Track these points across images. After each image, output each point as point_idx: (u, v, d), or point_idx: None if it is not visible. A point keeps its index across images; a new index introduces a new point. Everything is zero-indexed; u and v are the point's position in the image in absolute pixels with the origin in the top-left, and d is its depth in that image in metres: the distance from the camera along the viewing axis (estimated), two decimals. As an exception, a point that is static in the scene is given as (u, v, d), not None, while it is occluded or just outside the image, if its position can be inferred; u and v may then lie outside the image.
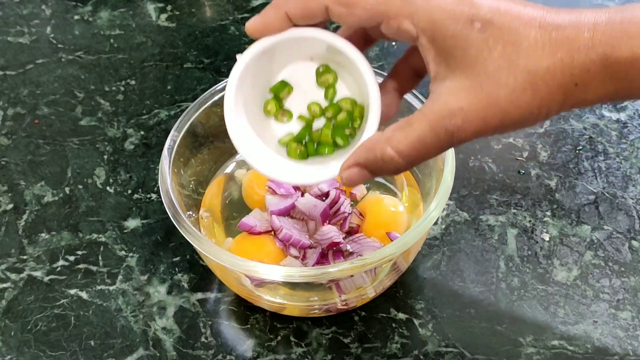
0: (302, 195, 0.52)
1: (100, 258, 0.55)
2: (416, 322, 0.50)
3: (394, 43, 0.69)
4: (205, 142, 0.54)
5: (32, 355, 0.50)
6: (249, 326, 0.51)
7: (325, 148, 0.40)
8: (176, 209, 0.46)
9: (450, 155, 0.47)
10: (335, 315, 0.51)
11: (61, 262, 0.55)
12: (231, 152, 0.57)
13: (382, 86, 0.38)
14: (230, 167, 0.57)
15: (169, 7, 0.79)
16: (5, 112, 0.68)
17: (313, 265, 0.48)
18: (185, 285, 0.53)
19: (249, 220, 0.50)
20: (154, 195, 0.60)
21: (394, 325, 0.50)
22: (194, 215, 0.52)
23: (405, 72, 0.39)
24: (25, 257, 0.56)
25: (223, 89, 0.53)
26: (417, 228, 0.43)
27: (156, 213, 0.58)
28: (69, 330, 0.51)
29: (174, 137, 0.50)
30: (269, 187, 0.52)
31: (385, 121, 0.38)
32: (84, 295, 0.53)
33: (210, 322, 0.51)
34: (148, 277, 0.54)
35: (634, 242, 0.54)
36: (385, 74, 0.41)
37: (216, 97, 0.53)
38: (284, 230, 0.49)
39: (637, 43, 0.31)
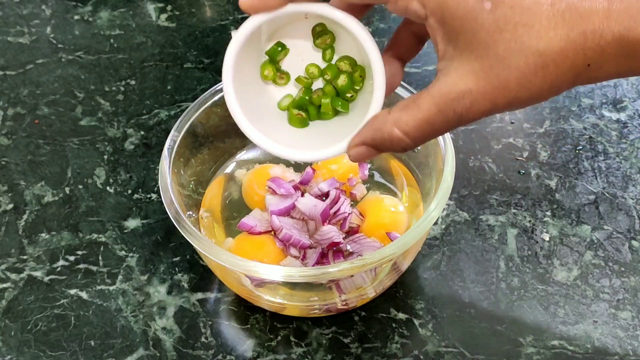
0: (302, 195, 0.52)
1: (100, 258, 0.55)
2: (416, 322, 0.50)
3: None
4: (205, 142, 0.54)
5: (32, 355, 0.50)
6: (249, 326, 0.51)
7: (327, 115, 0.39)
8: (176, 209, 0.46)
9: (450, 155, 0.47)
10: (335, 315, 0.51)
11: (61, 262, 0.55)
12: (231, 152, 0.57)
13: (384, 55, 0.37)
14: (230, 167, 0.57)
15: (169, 7, 0.79)
16: (5, 112, 0.68)
17: (313, 265, 0.48)
18: (185, 285, 0.53)
19: (249, 220, 0.50)
20: (154, 195, 0.60)
21: (394, 325, 0.50)
22: (194, 215, 0.52)
23: (407, 39, 0.38)
24: (25, 257, 0.56)
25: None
26: (417, 228, 0.43)
27: (156, 213, 0.58)
28: (69, 330, 0.51)
29: (174, 137, 0.50)
30: (269, 187, 0.52)
31: (391, 92, 0.37)
32: (84, 295, 0.53)
33: (210, 322, 0.51)
34: (148, 277, 0.54)
35: (634, 242, 0.54)
36: None
37: (216, 97, 0.53)
38: (284, 230, 0.49)
39: None
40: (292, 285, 0.48)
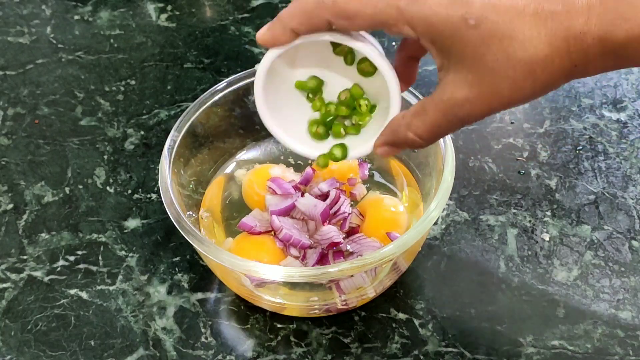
0: (302, 195, 0.52)
1: (100, 258, 0.55)
2: (416, 322, 0.50)
3: (393, 43, 0.69)
4: (205, 142, 0.54)
5: (32, 355, 0.50)
6: (249, 326, 0.51)
7: (339, 136, 0.44)
8: (176, 209, 0.46)
9: (450, 155, 0.47)
10: (335, 315, 0.51)
11: (61, 262, 0.55)
12: (231, 152, 0.57)
13: (398, 58, 0.42)
14: (230, 167, 0.57)
15: (169, 7, 0.79)
16: (5, 112, 0.68)
17: (313, 265, 0.48)
18: (185, 285, 0.53)
19: (249, 220, 0.50)
20: (154, 195, 0.60)
21: (394, 325, 0.50)
22: (194, 215, 0.52)
23: (414, 41, 0.40)
24: (25, 257, 0.56)
25: (223, 89, 0.53)
26: (417, 228, 0.43)
27: (156, 213, 0.58)
28: (69, 330, 0.51)
29: (174, 137, 0.50)
30: (269, 187, 0.52)
31: (408, 87, 0.43)
32: (84, 295, 0.53)
33: (210, 322, 0.51)
34: (148, 277, 0.54)
35: (634, 242, 0.54)
36: None
37: (216, 97, 0.53)
38: (284, 230, 0.49)
39: (632, 25, 0.31)
40: (292, 285, 0.48)
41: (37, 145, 0.65)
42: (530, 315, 0.50)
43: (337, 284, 0.47)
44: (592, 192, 0.58)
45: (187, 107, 0.52)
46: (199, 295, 0.53)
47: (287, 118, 0.44)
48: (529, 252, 0.54)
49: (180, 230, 0.45)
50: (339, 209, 0.51)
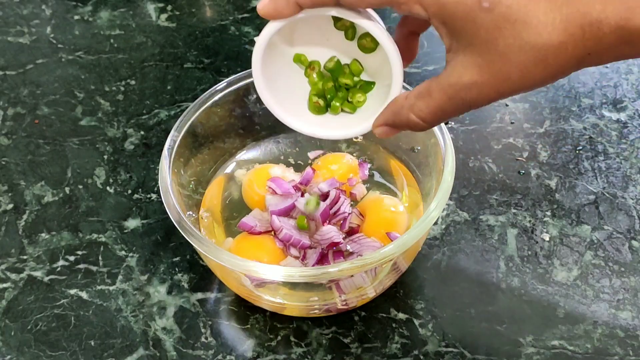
0: (302, 195, 0.52)
1: (100, 258, 0.55)
2: (416, 322, 0.50)
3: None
4: (205, 142, 0.54)
5: (32, 355, 0.50)
6: (249, 326, 0.51)
7: (335, 111, 0.44)
8: (176, 209, 0.46)
9: (450, 155, 0.47)
10: (335, 315, 0.51)
11: (61, 262, 0.55)
12: (231, 152, 0.57)
13: (399, 33, 0.41)
14: (230, 167, 0.57)
15: (169, 7, 0.79)
16: (5, 112, 0.68)
17: (313, 265, 0.48)
18: (185, 285, 0.53)
19: (249, 220, 0.50)
20: (154, 195, 0.60)
21: (394, 325, 0.50)
22: (194, 215, 0.52)
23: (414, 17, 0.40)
24: (25, 257, 0.56)
25: (223, 89, 0.53)
26: (417, 228, 0.43)
27: (156, 213, 0.58)
28: (69, 330, 0.51)
29: (174, 137, 0.50)
30: (269, 187, 0.52)
31: (410, 62, 0.42)
32: (84, 295, 0.53)
33: (210, 322, 0.51)
34: (148, 277, 0.54)
35: (634, 242, 0.54)
36: None
37: (216, 97, 0.53)
38: (284, 230, 0.49)
39: None
40: (292, 285, 0.48)
41: (37, 145, 0.65)
42: (530, 315, 0.50)
43: (337, 284, 0.47)
44: (592, 192, 0.58)
45: (187, 107, 0.52)
46: (199, 295, 0.53)
47: (284, 93, 0.43)
48: (529, 252, 0.54)
49: (181, 231, 0.45)
50: (339, 209, 0.51)
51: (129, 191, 0.60)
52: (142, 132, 0.65)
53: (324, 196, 0.52)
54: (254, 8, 0.78)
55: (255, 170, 0.55)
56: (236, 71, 0.68)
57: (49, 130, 0.66)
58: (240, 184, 0.55)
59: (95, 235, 0.57)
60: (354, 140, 0.58)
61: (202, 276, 0.54)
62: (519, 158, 0.61)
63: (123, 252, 0.55)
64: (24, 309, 0.52)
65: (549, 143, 0.62)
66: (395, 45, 0.39)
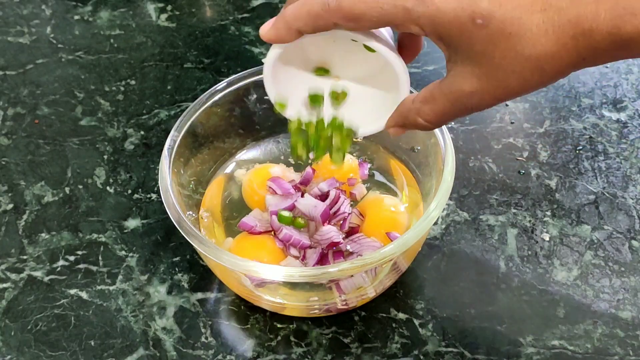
0: (302, 195, 0.52)
1: (100, 258, 0.55)
2: (416, 322, 0.50)
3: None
4: (205, 142, 0.54)
5: (32, 355, 0.50)
6: (249, 326, 0.51)
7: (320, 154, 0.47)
8: (176, 209, 0.46)
9: (450, 155, 0.47)
10: (335, 315, 0.51)
11: (61, 262, 0.55)
12: (231, 152, 0.57)
13: (400, 35, 0.42)
14: (230, 167, 0.57)
15: (169, 7, 0.79)
16: (5, 112, 0.68)
17: (313, 266, 0.48)
18: (185, 285, 0.53)
19: (249, 220, 0.50)
20: (154, 195, 0.60)
21: (394, 325, 0.50)
22: (194, 215, 0.52)
23: None
24: (25, 257, 0.56)
25: (223, 89, 0.53)
26: (417, 228, 0.43)
27: (156, 213, 0.58)
28: (69, 330, 0.51)
29: (174, 137, 0.50)
30: (269, 187, 0.52)
31: (415, 57, 0.43)
32: (84, 295, 0.53)
33: (210, 322, 0.51)
34: (148, 277, 0.54)
35: (634, 242, 0.54)
36: None
37: (216, 97, 0.53)
38: (284, 230, 0.49)
39: None
40: (292, 285, 0.48)
41: (37, 145, 0.65)
42: (530, 315, 0.50)
43: (337, 284, 0.47)
44: (592, 192, 0.58)
45: (187, 107, 0.52)
46: (199, 295, 0.53)
47: (295, 95, 0.44)
48: (529, 252, 0.54)
49: (181, 231, 0.44)
50: (338, 209, 0.51)
51: (129, 191, 0.60)
52: (142, 132, 0.65)
53: (324, 196, 0.52)
54: (254, 8, 0.78)
55: (255, 170, 0.55)
56: (236, 71, 0.68)
57: (49, 130, 0.66)
58: (240, 184, 0.55)
59: (95, 235, 0.57)
60: (354, 139, 0.58)
61: (202, 276, 0.54)
62: (519, 158, 0.61)
63: (123, 252, 0.55)
64: (24, 309, 0.52)
65: (549, 143, 0.62)
66: (398, 55, 0.40)
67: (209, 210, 0.54)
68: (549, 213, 0.56)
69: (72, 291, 0.53)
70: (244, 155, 0.58)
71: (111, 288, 0.53)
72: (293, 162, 0.57)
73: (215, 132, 0.55)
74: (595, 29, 0.31)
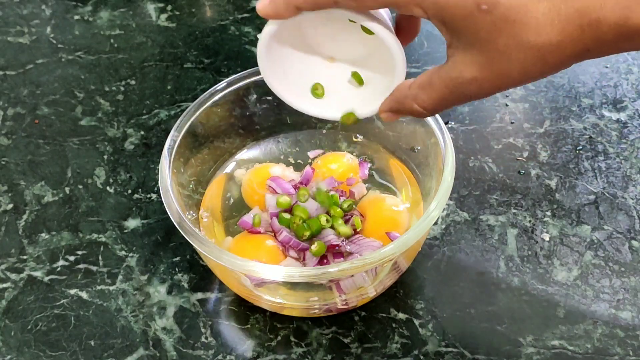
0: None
1: (100, 258, 0.55)
2: (416, 322, 0.50)
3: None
4: (205, 142, 0.54)
5: (32, 355, 0.50)
6: (249, 326, 0.51)
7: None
8: (176, 209, 0.46)
9: (450, 155, 0.47)
10: (335, 315, 0.51)
11: (61, 262, 0.55)
12: (231, 151, 0.57)
13: (398, 17, 0.41)
14: (230, 167, 0.57)
15: (169, 7, 0.79)
16: (5, 112, 0.68)
17: (313, 266, 0.48)
18: (185, 285, 0.53)
19: (249, 218, 0.50)
20: (154, 195, 0.60)
21: (394, 325, 0.50)
22: (194, 215, 0.52)
23: None
24: (25, 257, 0.56)
25: (223, 89, 0.53)
26: (417, 228, 0.43)
27: (156, 213, 0.58)
28: (69, 330, 0.51)
29: (174, 137, 0.50)
30: (269, 187, 0.52)
31: (411, 40, 0.42)
32: (84, 295, 0.53)
33: (210, 322, 0.51)
34: (148, 277, 0.54)
35: (634, 242, 0.54)
36: None
37: (216, 97, 0.53)
38: (283, 232, 0.49)
39: None
40: (292, 285, 0.48)
41: (37, 145, 0.65)
42: (530, 315, 0.50)
43: (338, 284, 0.47)
44: (592, 192, 0.58)
45: (187, 107, 0.52)
46: (199, 295, 0.53)
47: (290, 76, 0.44)
48: (529, 252, 0.54)
49: (181, 231, 0.44)
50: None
51: (129, 191, 0.60)
52: (142, 132, 0.65)
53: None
54: (254, 8, 0.78)
55: (255, 170, 0.55)
56: (236, 71, 0.68)
57: (49, 130, 0.66)
58: (240, 184, 0.55)
59: (95, 235, 0.57)
60: (354, 139, 0.58)
61: (202, 276, 0.54)
62: (519, 158, 0.61)
63: (123, 252, 0.55)
64: (24, 309, 0.52)
65: (549, 143, 0.62)
66: (396, 38, 0.39)
67: (208, 209, 0.54)
68: (549, 213, 0.56)
69: (72, 291, 0.53)
70: (244, 154, 0.58)
71: (111, 288, 0.53)
72: (293, 162, 0.57)
73: (215, 132, 0.55)
74: (602, 19, 0.31)
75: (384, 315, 0.51)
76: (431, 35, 0.71)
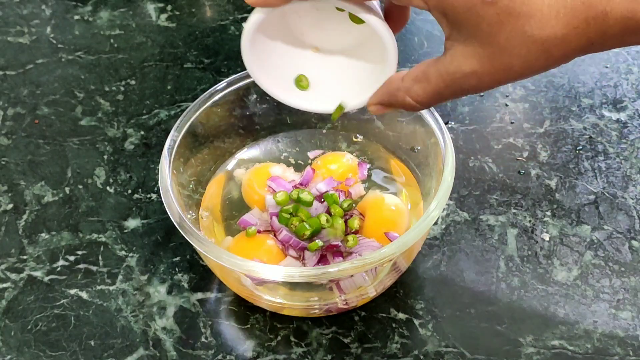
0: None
1: (100, 258, 0.55)
2: (416, 322, 0.50)
3: None
4: (205, 142, 0.54)
5: (32, 355, 0.50)
6: (249, 326, 0.51)
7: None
8: (176, 209, 0.46)
9: (450, 155, 0.47)
10: (335, 315, 0.51)
11: (61, 262, 0.55)
12: (231, 151, 0.57)
13: (387, 5, 0.40)
14: (230, 167, 0.57)
15: (169, 7, 0.79)
16: (5, 112, 0.68)
17: (313, 266, 0.48)
18: (185, 285, 0.53)
19: (249, 218, 0.50)
20: (154, 195, 0.60)
21: (394, 325, 0.50)
22: (194, 215, 0.52)
23: None
24: (25, 257, 0.56)
25: (223, 89, 0.53)
26: (417, 228, 0.43)
27: (156, 213, 0.58)
28: (69, 330, 0.51)
29: (174, 137, 0.50)
30: (269, 187, 0.52)
31: (400, 29, 0.41)
32: (84, 295, 0.53)
33: (210, 322, 0.51)
34: (148, 277, 0.54)
35: (634, 242, 0.54)
36: None
37: (216, 97, 0.53)
38: (283, 231, 0.49)
39: None
40: (292, 285, 0.48)
41: (37, 145, 0.65)
42: (530, 315, 0.50)
43: (338, 284, 0.47)
44: (592, 192, 0.58)
45: (187, 107, 0.52)
46: (199, 295, 0.53)
47: (276, 68, 0.43)
48: (529, 252, 0.54)
49: (181, 231, 0.45)
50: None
51: (129, 191, 0.60)
52: (142, 132, 0.65)
53: (322, 197, 0.52)
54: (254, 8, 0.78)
55: (255, 170, 0.55)
56: (236, 71, 0.68)
57: (49, 130, 0.66)
58: (239, 183, 0.55)
59: (95, 235, 0.57)
60: (354, 139, 0.58)
61: (202, 276, 0.54)
62: (519, 158, 0.61)
63: (123, 252, 0.55)
64: (24, 309, 0.52)
65: (549, 143, 0.62)
66: (388, 27, 0.38)
67: (208, 209, 0.54)
68: (549, 213, 0.56)
69: (72, 291, 0.53)
70: (244, 154, 0.58)
71: (111, 288, 0.53)
72: (293, 162, 0.57)
73: (215, 132, 0.55)
74: (609, 12, 0.30)
75: (384, 315, 0.51)
76: (431, 35, 0.71)
